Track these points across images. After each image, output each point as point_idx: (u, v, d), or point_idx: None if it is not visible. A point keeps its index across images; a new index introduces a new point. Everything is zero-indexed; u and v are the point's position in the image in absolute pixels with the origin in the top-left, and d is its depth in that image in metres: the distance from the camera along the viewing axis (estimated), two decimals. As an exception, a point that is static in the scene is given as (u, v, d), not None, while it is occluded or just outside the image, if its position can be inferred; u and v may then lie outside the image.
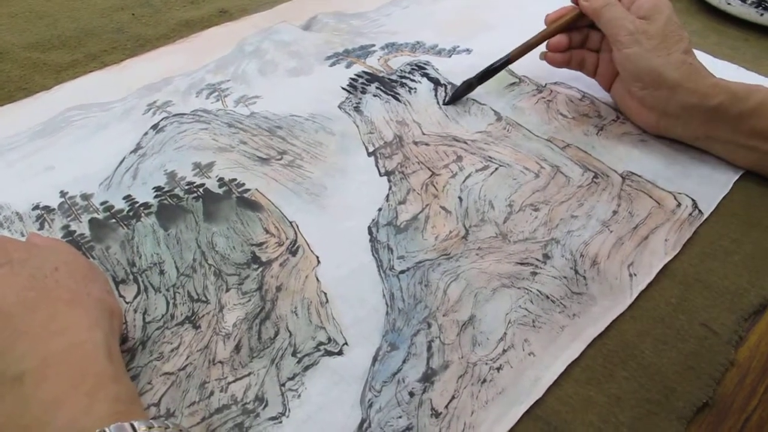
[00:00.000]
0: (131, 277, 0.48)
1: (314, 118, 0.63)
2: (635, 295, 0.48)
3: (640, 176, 0.58)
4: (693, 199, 0.56)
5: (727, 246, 0.53)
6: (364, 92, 0.66)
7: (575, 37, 0.65)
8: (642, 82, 0.59)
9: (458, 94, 0.66)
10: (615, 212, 0.54)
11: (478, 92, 0.67)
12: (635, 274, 0.50)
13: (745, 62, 0.73)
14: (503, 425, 0.40)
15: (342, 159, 0.58)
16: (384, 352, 0.44)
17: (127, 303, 0.46)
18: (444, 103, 0.66)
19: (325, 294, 0.47)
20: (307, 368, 0.43)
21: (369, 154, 0.59)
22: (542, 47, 0.65)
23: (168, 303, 0.46)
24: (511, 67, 0.68)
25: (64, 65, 0.68)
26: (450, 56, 0.72)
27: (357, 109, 0.64)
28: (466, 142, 0.61)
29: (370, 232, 0.52)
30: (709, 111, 0.56)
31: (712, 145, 0.59)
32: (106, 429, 0.31)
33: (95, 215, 0.52)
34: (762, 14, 0.79)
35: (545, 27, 0.65)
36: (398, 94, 0.66)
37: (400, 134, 0.61)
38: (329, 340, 0.44)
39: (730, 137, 0.57)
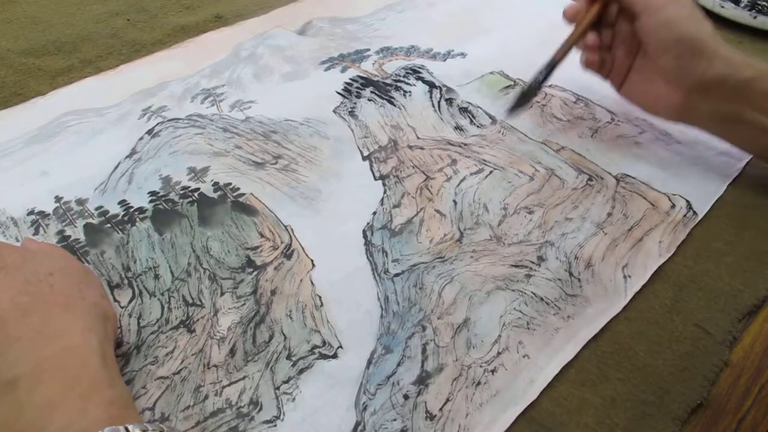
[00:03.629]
0: (126, 281, 0.48)
1: (309, 122, 0.63)
2: (629, 296, 0.48)
3: (634, 178, 0.58)
4: (687, 200, 0.56)
5: (721, 248, 0.53)
6: (358, 96, 0.66)
7: (598, 38, 0.60)
8: (678, 49, 0.55)
9: (520, 103, 0.62)
10: (609, 214, 0.54)
11: (472, 95, 0.67)
12: (629, 276, 0.50)
13: (739, 65, 0.73)
14: (498, 427, 0.40)
15: (337, 163, 0.59)
16: (378, 355, 0.44)
17: (122, 307, 0.46)
18: (508, 113, 0.63)
19: (320, 297, 0.47)
20: (301, 371, 0.43)
21: (364, 159, 0.59)
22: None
23: (163, 307, 0.46)
24: (505, 70, 0.69)
25: (59, 71, 0.68)
26: (445, 60, 0.73)
27: (352, 113, 0.64)
28: (460, 146, 0.61)
29: (365, 236, 0.52)
30: (740, 84, 0.54)
31: (737, 130, 0.57)
32: (101, 432, 0.31)
33: (90, 220, 0.52)
34: (755, 17, 0.79)
35: (572, 25, 0.61)
36: (393, 98, 0.66)
37: (394, 138, 0.61)
38: (324, 343, 0.44)
39: (758, 118, 0.54)
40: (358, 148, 0.60)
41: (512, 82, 0.69)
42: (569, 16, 0.60)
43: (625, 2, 0.57)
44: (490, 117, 0.65)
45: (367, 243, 0.51)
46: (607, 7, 0.59)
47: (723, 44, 0.55)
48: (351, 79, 0.69)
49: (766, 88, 0.53)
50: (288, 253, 0.50)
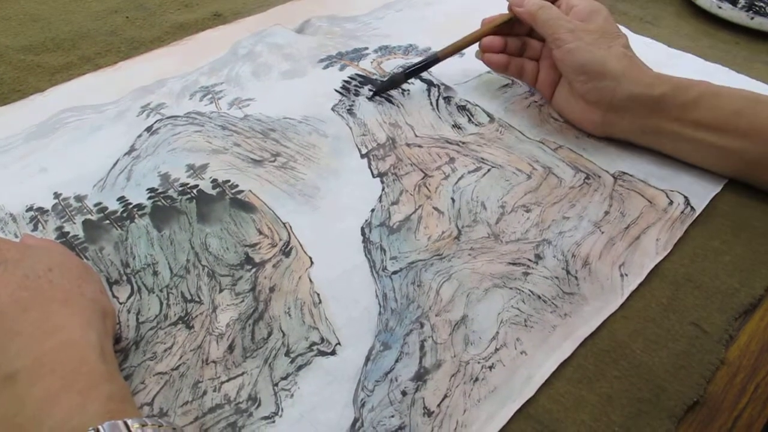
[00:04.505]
0: (125, 277, 0.48)
1: (307, 120, 0.63)
2: (626, 295, 0.49)
3: (632, 176, 0.58)
4: (685, 196, 0.56)
5: (718, 246, 0.53)
6: (357, 95, 0.66)
7: (513, 44, 0.65)
8: (586, 74, 0.59)
9: (382, 89, 0.67)
10: (607, 213, 0.55)
11: (471, 94, 0.67)
12: (626, 274, 0.50)
13: (736, 65, 0.73)
14: (495, 424, 0.41)
15: (335, 161, 0.59)
16: (377, 351, 0.44)
17: (120, 303, 0.46)
18: (368, 98, 0.66)
19: (318, 294, 0.47)
20: (300, 368, 0.43)
21: (362, 156, 0.59)
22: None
23: (161, 303, 0.46)
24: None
25: (58, 67, 0.68)
26: (443, 59, 0.73)
27: (350, 111, 0.64)
28: (458, 144, 0.61)
29: (363, 233, 0.52)
30: (653, 100, 0.57)
31: (659, 140, 0.59)
32: (100, 427, 0.31)
33: (89, 216, 0.52)
34: (752, 18, 0.80)
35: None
36: (391, 96, 0.66)
37: (393, 136, 0.61)
38: (322, 340, 0.45)
39: (676, 129, 0.57)
40: (357, 145, 0.60)
41: (510, 81, 0.70)
42: (483, 24, 0.67)
43: (539, 33, 0.62)
44: (488, 115, 0.65)
45: (366, 240, 0.52)
46: (512, 25, 0.65)
47: (635, 64, 0.59)
48: (349, 77, 0.69)
49: (679, 101, 0.56)
50: (286, 251, 0.50)
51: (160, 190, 0.54)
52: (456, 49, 0.66)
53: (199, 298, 0.47)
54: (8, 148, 0.58)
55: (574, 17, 0.61)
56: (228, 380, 0.42)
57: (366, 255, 0.50)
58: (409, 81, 0.68)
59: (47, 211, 0.52)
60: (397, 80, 0.66)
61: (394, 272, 0.49)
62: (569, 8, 0.62)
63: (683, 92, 0.56)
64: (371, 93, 0.67)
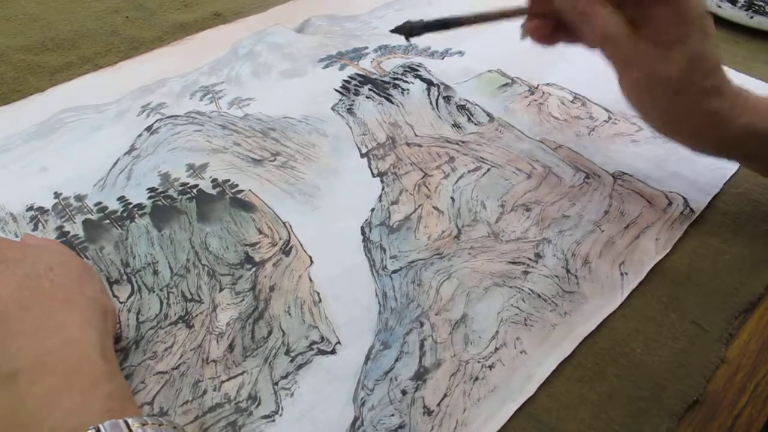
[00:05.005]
0: (125, 277, 0.48)
1: (307, 119, 0.63)
2: (626, 293, 0.49)
3: (631, 176, 0.58)
4: (684, 198, 0.56)
5: (718, 245, 0.53)
6: (357, 94, 0.66)
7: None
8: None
9: (399, 30, 0.58)
10: (606, 212, 0.55)
11: (470, 93, 0.67)
12: (626, 273, 0.50)
13: (736, 64, 0.73)
14: (495, 423, 0.41)
15: (335, 160, 0.59)
16: (377, 350, 0.44)
17: (120, 303, 0.46)
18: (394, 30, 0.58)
19: (318, 294, 0.47)
20: (300, 367, 0.43)
21: (362, 156, 0.59)
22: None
23: (161, 303, 0.46)
24: (503, 68, 0.69)
25: (58, 67, 0.68)
26: (443, 58, 0.73)
27: (350, 110, 0.64)
28: (458, 143, 0.61)
29: (363, 232, 0.52)
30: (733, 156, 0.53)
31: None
32: (100, 426, 0.31)
33: (89, 216, 0.52)
34: (752, 17, 0.80)
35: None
36: (391, 95, 0.66)
37: (392, 136, 0.61)
38: (322, 339, 0.45)
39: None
40: (357, 145, 0.60)
41: (509, 80, 0.70)
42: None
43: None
44: (488, 115, 0.65)
45: (366, 239, 0.52)
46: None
47: (718, 121, 0.49)
48: (349, 76, 0.69)
49: None
50: (286, 250, 0.50)
51: (160, 190, 0.54)
52: (483, 19, 0.55)
53: (200, 297, 0.47)
54: (8, 147, 0.58)
55: (655, 35, 0.47)
56: (228, 379, 0.42)
57: (366, 254, 0.51)
58: (409, 81, 0.68)
59: (47, 210, 0.52)
60: (417, 30, 0.57)
61: (394, 271, 0.49)
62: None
63: None
64: (392, 29, 0.58)
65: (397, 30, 0.58)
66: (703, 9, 0.47)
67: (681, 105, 0.49)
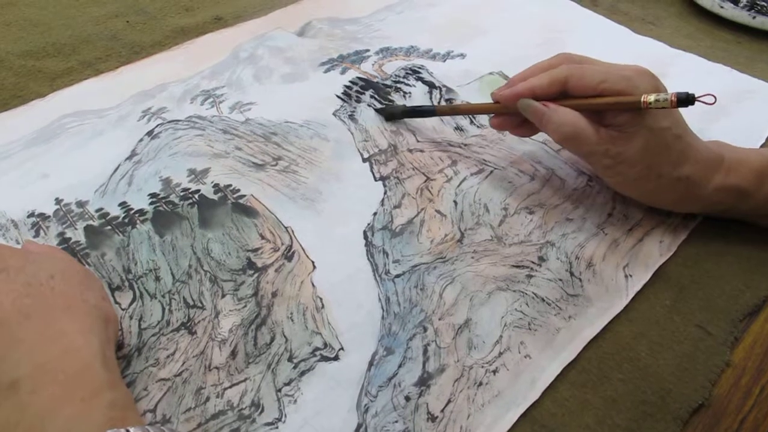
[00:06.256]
0: (127, 283, 0.48)
1: (309, 124, 0.63)
2: (631, 296, 0.48)
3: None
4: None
5: (722, 248, 0.53)
6: (358, 101, 0.66)
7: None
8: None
9: (381, 111, 0.64)
10: (610, 215, 0.54)
11: (472, 96, 0.67)
12: (630, 276, 0.50)
13: (738, 64, 0.73)
14: (499, 428, 0.40)
15: (337, 164, 0.58)
16: (380, 356, 0.44)
17: (122, 310, 0.46)
18: (374, 108, 0.65)
19: (321, 299, 0.47)
20: (303, 373, 0.43)
21: (364, 160, 0.59)
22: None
23: (164, 309, 0.46)
24: (504, 70, 0.69)
25: (58, 73, 0.68)
26: (444, 61, 0.73)
27: (352, 117, 0.64)
28: (460, 146, 0.61)
29: (366, 237, 0.52)
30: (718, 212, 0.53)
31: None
32: (102, 435, 0.31)
33: (90, 222, 0.52)
34: (754, 17, 0.79)
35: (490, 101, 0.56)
36: (393, 100, 0.66)
37: (394, 143, 0.61)
38: (325, 345, 0.44)
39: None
40: (358, 150, 0.60)
41: (512, 83, 0.69)
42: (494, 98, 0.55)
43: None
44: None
45: (368, 244, 0.51)
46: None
47: (692, 186, 0.50)
48: (351, 81, 0.68)
49: (750, 205, 0.52)
50: (289, 255, 0.50)
51: (161, 195, 0.54)
52: (453, 110, 0.63)
53: (202, 303, 0.47)
54: (9, 153, 0.58)
55: (609, 120, 0.49)
56: (231, 386, 0.42)
57: (368, 259, 0.50)
58: (410, 83, 0.68)
59: (49, 217, 0.52)
60: (394, 114, 0.63)
61: (397, 276, 0.49)
62: (598, 80, 0.49)
63: (751, 198, 0.51)
64: (374, 107, 0.65)
65: (379, 111, 0.64)
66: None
67: (652, 179, 0.50)
